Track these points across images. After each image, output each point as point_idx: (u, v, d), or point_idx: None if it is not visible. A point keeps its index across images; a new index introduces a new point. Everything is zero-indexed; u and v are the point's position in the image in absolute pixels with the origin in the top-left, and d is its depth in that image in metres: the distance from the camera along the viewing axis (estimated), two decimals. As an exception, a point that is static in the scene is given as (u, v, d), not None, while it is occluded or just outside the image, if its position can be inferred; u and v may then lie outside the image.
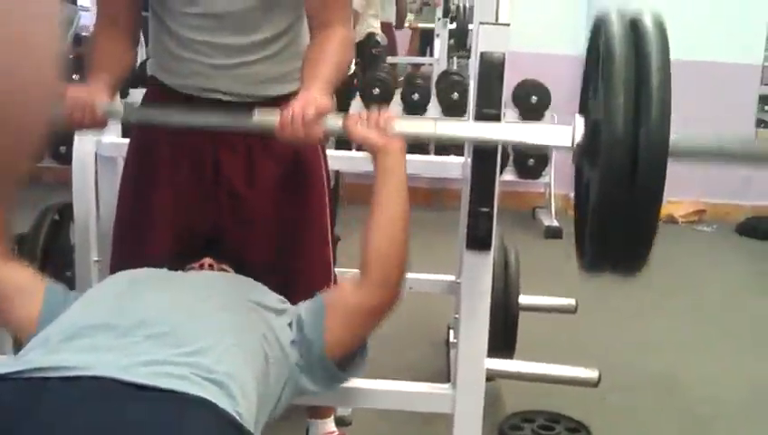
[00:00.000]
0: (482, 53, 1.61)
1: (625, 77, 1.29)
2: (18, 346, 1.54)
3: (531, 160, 5.64)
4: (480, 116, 1.59)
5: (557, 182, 5.51)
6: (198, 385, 1.17)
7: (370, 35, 5.90)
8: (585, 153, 1.42)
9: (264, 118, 1.53)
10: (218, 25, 1.69)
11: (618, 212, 1.31)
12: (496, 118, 1.60)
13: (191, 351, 1.24)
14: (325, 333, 1.48)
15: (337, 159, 2.90)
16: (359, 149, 1.53)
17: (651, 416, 2.77)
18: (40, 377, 1.14)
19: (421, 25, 7.87)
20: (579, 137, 1.43)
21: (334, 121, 1.52)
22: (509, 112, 5.50)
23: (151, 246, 1.81)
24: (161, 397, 1.12)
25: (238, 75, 1.75)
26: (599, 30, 1.42)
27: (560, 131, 1.48)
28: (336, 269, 1.97)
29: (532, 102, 5.53)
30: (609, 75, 1.31)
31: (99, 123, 1.57)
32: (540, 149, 5.66)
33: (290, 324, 1.50)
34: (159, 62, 1.82)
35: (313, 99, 1.49)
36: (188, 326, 1.31)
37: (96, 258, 2.37)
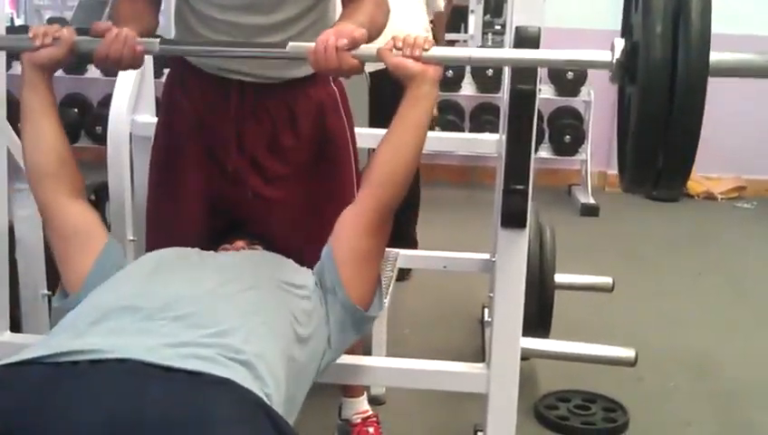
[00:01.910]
0: (517, 27, 1.58)
1: (664, 3, 1.29)
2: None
3: (567, 137, 5.58)
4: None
5: (593, 159, 5.44)
6: (225, 366, 1.17)
7: None
8: (625, 72, 1.41)
9: (298, 46, 1.52)
10: (241, 4, 1.68)
11: (658, 129, 1.31)
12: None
13: (218, 332, 1.23)
14: (341, 273, 1.49)
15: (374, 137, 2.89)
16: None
17: (687, 396, 2.73)
18: (68, 361, 1.14)
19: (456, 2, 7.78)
20: (618, 55, 1.42)
21: (368, 50, 1.50)
22: (544, 88, 5.44)
23: (182, 224, 1.81)
24: (187, 379, 1.12)
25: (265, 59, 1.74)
26: None
27: (599, 53, 1.46)
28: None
29: (569, 78, 5.46)
30: (648, 2, 1.30)
31: (137, 58, 1.55)
32: (576, 121, 5.59)
33: (316, 284, 1.51)
34: (181, 40, 1.82)
35: (347, 29, 1.48)
36: (215, 307, 1.31)
37: (131, 237, 2.38)
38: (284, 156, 1.78)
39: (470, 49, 1.42)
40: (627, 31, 1.48)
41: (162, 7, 1.80)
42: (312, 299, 1.49)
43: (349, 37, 1.46)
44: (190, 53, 1.76)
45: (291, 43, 1.53)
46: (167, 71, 1.93)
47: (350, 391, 2.29)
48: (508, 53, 1.63)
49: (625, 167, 1.45)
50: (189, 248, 1.59)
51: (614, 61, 1.42)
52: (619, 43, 1.43)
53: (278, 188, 1.79)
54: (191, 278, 1.41)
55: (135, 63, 1.56)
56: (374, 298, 1.56)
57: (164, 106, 1.91)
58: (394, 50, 1.48)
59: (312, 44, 1.48)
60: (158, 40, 1.57)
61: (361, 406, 2.30)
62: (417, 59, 1.47)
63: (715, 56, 1.28)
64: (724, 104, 5.69)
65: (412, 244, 3.63)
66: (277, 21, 1.70)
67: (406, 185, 1.54)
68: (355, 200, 1.54)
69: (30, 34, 1.55)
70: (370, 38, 1.56)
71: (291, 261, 1.59)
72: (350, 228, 1.52)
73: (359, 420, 2.29)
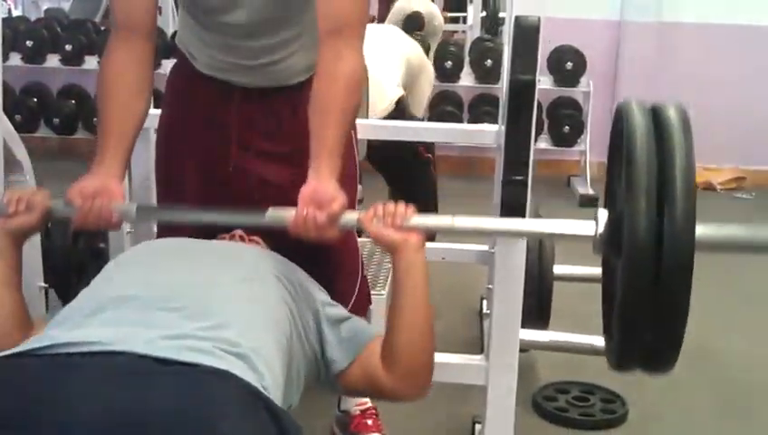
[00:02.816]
0: (517, 18, 1.58)
1: (646, 177, 1.24)
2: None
3: (566, 128, 5.57)
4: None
5: (592, 150, 5.43)
6: (222, 359, 1.16)
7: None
8: (609, 246, 1.38)
9: (277, 216, 1.49)
10: (238, 32, 1.68)
11: (643, 308, 1.26)
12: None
13: (214, 324, 1.23)
14: (348, 369, 1.47)
15: (385, 129, 2.89)
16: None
17: (687, 387, 2.73)
18: (64, 353, 1.13)
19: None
20: (601, 229, 1.38)
21: (349, 219, 1.47)
22: (543, 79, 5.43)
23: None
24: (184, 371, 1.11)
25: (267, 73, 1.74)
26: (620, 120, 1.37)
27: (582, 224, 1.42)
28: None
29: (568, 68, 5.44)
30: (631, 174, 1.26)
31: (114, 227, 1.56)
32: (575, 112, 5.59)
33: (328, 319, 1.49)
34: (186, 44, 1.81)
35: (327, 196, 1.44)
36: (210, 299, 1.30)
37: (129, 229, 2.38)
38: (287, 139, 1.77)
39: (451, 218, 1.38)
40: (610, 198, 1.44)
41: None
42: (313, 302, 1.49)
43: (329, 213, 1.43)
44: (166, 218, 1.72)
45: (270, 211, 1.50)
46: (164, 62, 1.92)
47: None
48: (491, 222, 1.62)
49: (612, 342, 1.41)
50: (186, 238, 1.58)
51: (597, 235, 1.38)
52: (603, 216, 1.39)
53: (281, 168, 1.77)
54: (188, 268, 1.40)
55: (113, 228, 1.59)
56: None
57: (165, 101, 1.90)
58: (374, 219, 1.45)
59: (292, 213, 1.45)
60: (135, 207, 1.55)
61: (361, 398, 2.30)
62: (398, 228, 1.44)
63: (702, 230, 1.24)
64: (723, 95, 5.71)
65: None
66: (282, 39, 1.70)
67: (421, 380, 1.49)
68: (392, 370, 1.47)
69: (4, 200, 1.51)
70: (346, 131, 1.54)
71: (290, 261, 1.58)
72: (374, 383, 1.48)
73: (358, 412, 2.29)
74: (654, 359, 1.36)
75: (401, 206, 1.47)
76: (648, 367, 1.39)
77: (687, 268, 1.22)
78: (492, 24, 6.59)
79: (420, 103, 3.78)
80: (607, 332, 1.48)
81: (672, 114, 1.31)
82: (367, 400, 2.31)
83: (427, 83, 3.89)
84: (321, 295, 1.53)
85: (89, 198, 1.51)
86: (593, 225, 1.38)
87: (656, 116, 1.32)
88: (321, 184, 1.47)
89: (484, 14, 6.68)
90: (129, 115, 1.63)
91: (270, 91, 1.75)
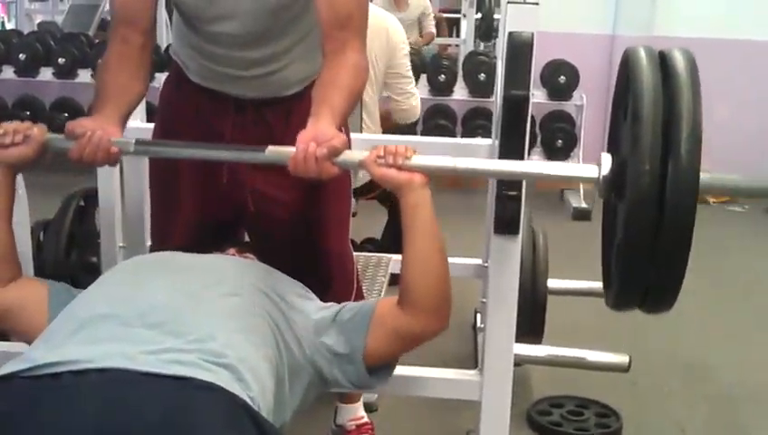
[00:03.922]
0: (510, 33, 1.58)
1: (653, 117, 1.26)
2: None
3: (559, 141, 5.57)
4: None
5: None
6: (208, 370, 1.16)
7: None
8: (612, 188, 1.39)
9: (278, 153, 1.49)
10: (234, 42, 1.68)
11: (645, 249, 1.28)
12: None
13: (197, 337, 1.22)
14: (366, 342, 1.47)
15: (366, 142, 2.88)
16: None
17: (681, 401, 2.73)
18: (48, 373, 1.13)
19: (446, 16, 7.77)
20: (605, 171, 1.39)
21: (351, 158, 1.48)
22: (537, 93, 5.44)
23: (175, 234, 1.81)
24: (171, 384, 1.11)
25: (261, 84, 1.74)
26: (627, 64, 1.38)
27: (586, 167, 1.45)
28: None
29: (561, 82, 5.46)
30: (637, 115, 1.27)
31: (111, 160, 1.55)
32: (568, 125, 5.60)
33: (323, 319, 1.49)
34: (180, 55, 1.81)
35: (326, 135, 1.44)
36: (193, 313, 1.29)
37: (121, 244, 2.36)
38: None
39: (453, 159, 1.37)
40: (614, 145, 1.45)
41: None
42: (305, 317, 1.48)
43: (329, 146, 1.43)
44: (165, 154, 1.71)
45: (270, 148, 1.50)
46: (158, 75, 1.92)
47: (346, 397, 2.28)
48: (494, 164, 1.61)
49: (610, 283, 1.42)
50: (173, 252, 1.57)
51: (601, 177, 1.39)
52: (606, 159, 1.40)
53: (276, 185, 1.77)
54: (170, 284, 1.39)
55: (110, 163, 1.56)
56: (385, 367, 1.55)
57: (160, 115, 1.90)
58: (377, 159, 1.46)
59: (292, 149, 1.44)
60: (134, 141, 1.55)
61: (357, 412, 2.29)
62: (400, 168, 1.45)
63: (704, 176, 1.26)
64: (715, 108, 5.72)
65: None
66: (276, 51, 1.70)
67: (443, 310, 1.51)
68: (410, 311, 1.49)
69: (0, 131, 1.52)
70: (350, 108, 1.55)
71: (281, 273, 1.57)
72: (397, 335, 1.50)
73: (353, 427, 2.28)
74: (653, 299, 1.38)
75: (402, 146, 1.47)
76: (646, 307, 1.41)
77: (690, 210, 1.24)
78: (486, 28, 6.59)
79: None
80: (606, 274, 1.49)
81: (679, 59, 1.32)
82: (363, 414, 2.30)
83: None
84: (309, 305, 1.52)
85: (88, 130, 1.51)
86: (596, 168, 1.40)
87: (663, 61, 1.32)
88: (321, 125, 1.46)
89: (479, 15, 6.68)
90: (128, 91, 1.64)
91: (264, 102, 1.75)
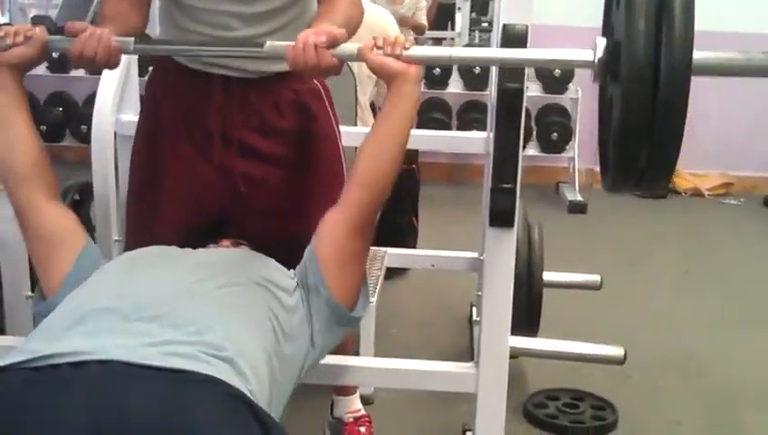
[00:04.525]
0: (504, 26, 1.58)
1: (646, 1, 1.27)
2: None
3: (554, 135, 5.58)
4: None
5: (581, 156, 5.45)
6: (207, 363, 1.16)
7: None
8: (607, 71, 1.41)
9: (276, 46, 1.50)
10: None
11: (640, 129, 1.30)
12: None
13: (197, 330, 1.22)
14: (324, 272, 1.48)
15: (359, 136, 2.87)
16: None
17: (677, 394, 2.74)
18: (47, 365, 1.12)
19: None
20: (600, 54, 1.41)
21: (349, 49, 1.49)
22: (532, 86, 5.44)
23: (163, 228, 1.78)
24: (170, 377, 1.11)
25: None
26: None
27: (581, 52, 1.46)
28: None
29: (556, 76, 5.46)
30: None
31: (112, 58, 1.53)
32: (564, 119, 5.60)
33: (297, 285, 1.49)
34: (165, 35, 1.80)
35: (326, 28, 1.47)
36: (192, 305, 1.29)
37: (117, 237, 2.36)
38: (271, 138, 1.76)
39: (451, 48, 1.39)
40: (608, 30, 1.47)
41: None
42: (294, 297, 1.47)
43: (328, 35, 1.45)
44: (165, 53, 1.73)
45: (269, 43, 1.51)
46: (152, 68, 1.91)
47: (343, 390, 2.28)
48: (489, 51, 1.62)
49: (607, 166, 1.44)
50: (169, 247, 1.57)
51: (596, 60, 1.40)
52: (601, 42, 1.41)
53: (267, 166, 1.76)
54: (169, 277, 1.39)
55: (111, 62, 1.54)
56: (359, 298, 1.55)
57: (145, 105, 1.88)
58: (375, 49, 1.48)
59: (291, 43, 1.46)
60: (133, 39, 1.55)
61: (354, 405, 2.29)
62: (398, 57, 1.47)
63: (698, 55, 1.28)
64: (711, 100, 5.72)
65: (411, 232, 3.67)
66: (259, 11, 1.68)
67: (389, 184, 1.53)
68: (339, 200, 1.53)
69: (1, 33, 1.52)
70: (348, 28, 1.54)
71: (273, 260, 1.57)
72: (334, 228, 1.51)
73: (351, 419, 2.28)
74: (646, 181, 1.38)
75: (399, 36, 1.49)
76: (639, 188, 1.42)
77: (684, 89, 1.25)
78: (482, 11, 6.57)
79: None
80: (602, 157, 1.50)
81: None
82: (360, 407, 2.29)
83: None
84: (294, 278, 1.53)
85: (89, 28, 1.51)
86: (591, 52, 1.41)
87: None
88: (320, 23, 1.50)
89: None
90: (128, 19, 1.65)
91: (249, 82, 1.73)
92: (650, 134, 1.30)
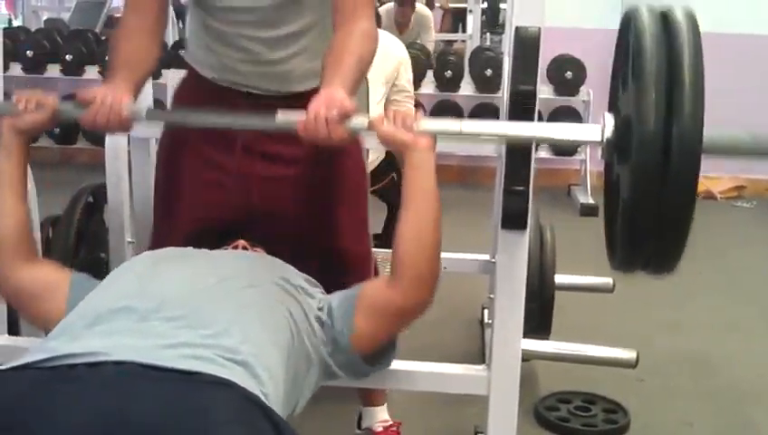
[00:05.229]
0: (517, 28, 1.57)
1: (656, 73, 1.25)
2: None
3: (566, 137, 5.57)
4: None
5: (592, 159, 5.43)
6: (222, 366, 1.16)
7: None
8: (615, 150, 1.39)
9: (288, 118, 1.50)
10: (247, 19, 1.69)
11: (650, 210, 1.27)
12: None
13: (214, 332, 1.23)
14: (353, 326, 1.47)
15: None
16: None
17: (689, 397, 2.73)
18: (64, 365, 1.13)
19: (453, 5, 7.79)
20: (609, 133, 1.39)
21: (360, 121, 1.48)
22: (543, 88, 5.43)
23: (181, 224, 1.80)
24: (186, 379, 1.11)
25: (268, 73, 1.75)
26: (628, 25, 1.38)
27: (589, 128, 1.44)
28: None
29: (567, 78, 5.45)
30: (640, 71, 1.26)
31: (124, 125, 1.56)
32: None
33: (320, 309, 1.49)
34: (195, 53, 1.83)
35: (337, 99, 1.45)
36: (210, 307, 1.30)
37: (130, 240, 2.38)
38: (295, 144, 1.77)
39: (461, 122, 1.38)
40: (615, 106, 1.45)
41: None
42: (312, 303, 1.48)
43: (340, 109, 1.44)
44: (176, 121, 1.73)
45: (280, 113, 1.51)
46: (165, 71, 1.93)
47: (371, 401, 2.26)
48: (498, 126, 1.63)
49: (615, 246, 1.42)
50: (187, 248, 1.58)
51: (604, 139, 1.39)
52: (609, 120, 1.39)
53: (287, 167, 1.78)
54: (187, 277, 1.40)
55: (123, 129, 1.58)
56: (380, 353, 1.55)
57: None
58: (385, 121, 1.47)
59: (303, 115, 1.46)
60: (146, 108, 1.58)
61: (382, 415, 2.28)
62: (408, 130, 1.46)
63: (708, 133, 1.25)
64: (722, 103, 5.70)
65: None
66: (280, 35, 1.71)
67: (429, 281, 1.49)
68: (394, 284, 1.48)
69: (14, 99, 1.55)
70: (361, 75, 1.56)
71: (291, 266, 1.58)
72: (382, 312, 1.49)
73: (380, 429, 2.26)
74: (657, 261, 1.37)
75: (410, 109, 1.48)
76: (648, 269, 1.40)
77: (694, 169, 1.24)
78: (493, 17, 6.59)
79: None
80: (609, 237, 1.49)
81: (681, 18, 1.31)
82: (388, 417, 2.28)
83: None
84: (317, 294, 1.53)
85: (100, 97, 1.53)
86: (599, 129, 1.39)
87: (664, 20, 1.32)
88: (332, 90, 1.48)
89: (485, 4, 6.67)
90: (140, 58, 1.66)
91: (277, 98, 1.75)
92: (660, 215, 1.27)
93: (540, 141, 1.48)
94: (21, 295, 1.52)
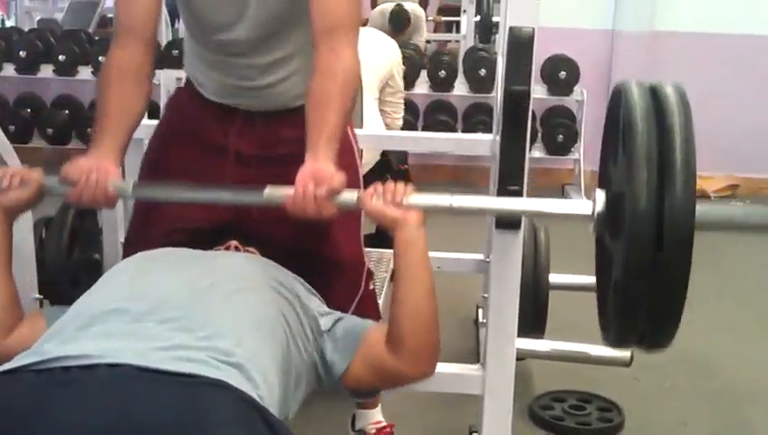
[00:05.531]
0: (511, 28, 1.58)
1: (647, 150, 1.25)
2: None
3: (560, 137, 5.58)
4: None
5: (586, 158, 5.44)
6: (217, 368, 1.16)
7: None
8: (607, 225, 1.38)
9: (275, 193, 1.48)
10: (237, 50, 1.69)
11: (643, 288, 1.26)
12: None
13: (208, 334, 1.22)
14: (350, 366, 1.46)
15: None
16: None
17: (683, 396, 2.73)
18: (58, 367, 1.13)
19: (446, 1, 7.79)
20: (600, 208, 1.39)
21: (349, 197, 1.47)
22: (537, 88, 5.44)
23: (165, 224, 1.76)
24: (180, 381, 1.11)
25: (262, 96, 1.75)
26: (618, 99, 1.37)
27: (580, 204, 1.44)
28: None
29: (561, 77, 5.46)
30: (632, 148, 1.26)
31: (109, 203, 1.54)
32: (569, 120, 5.60)
33: (321, 315, 1.49)
34: (193, 74, 1.83)
35: (326, 175, 1.44)
36: (204, 309, 1.29)
37: (123, 240, 2.37)
38: (290, 145, 1.76)
39: (451, 197, 1.37)
40: (606, 182, 1.45)
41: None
42: (312, 314, 1.48)
43: (328, 185, 1.42)
44: (162, 197, 1.69)
45: (268, 188, 1.49)
46: (158, 72, 1.92)
47: (365, 403, 2.26)
48: (489, 201, 1.65)
49: (608, 323, 1.41)
50: (180, 248, 1.57)
51: (595, 214, 1.39)
52: (600, 196, 1.39)
53: (279, 168, 1.76)
54: (180, 279, 1.39)
55: (109, 205, 1.56)
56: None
57: (163, 119, 1.91)
58: (374, 197, 1.45)
59: (291, 190, 1.44)
60: (132, 184, 1.55)
61: (376, 416, 2.28)
62: (397, 205, 1.45)
63: (700, 208, 1.25)
64: (716, 103, 5.72)
65: None
66: (270, 61, 1.71)
67: (428, 355, 1.47)
68: (398, 352, 1.45)
69: None
70: (345, 127, 1.55)
71: (286, 270, 1.57)
72: (380, 369, 1.47)
73: (373, 431, 2.27)
74: (652, 337, 1.36)
75: (400, 184, 1.47)
76: (642, 346, 1.40)
77: (688, 245, 1.23)
78: (485, 29, 6.61)
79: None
80: (602, 311, 1.48)
81: (671, 93, 1.31)
82: (382, 419, 2.28)
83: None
84: (315, 303, 1.53)
85: (85, 174, 1.50)
86: (590, 204, 1.40)
87: (654, 95, 1.32)
88: (319, 164, 1.46)
89: (478, 18, 6.69)
90: (129, 106, 1.62)
91: (272, 114, 1.76)
92: (653, 293, 1.26)
93: (531, 215, 1.51)
94: (11, 356, 1.49)
